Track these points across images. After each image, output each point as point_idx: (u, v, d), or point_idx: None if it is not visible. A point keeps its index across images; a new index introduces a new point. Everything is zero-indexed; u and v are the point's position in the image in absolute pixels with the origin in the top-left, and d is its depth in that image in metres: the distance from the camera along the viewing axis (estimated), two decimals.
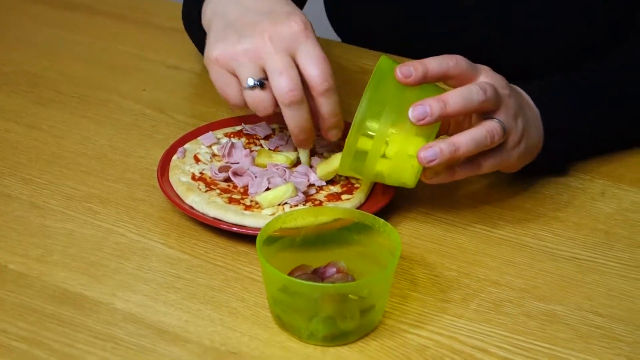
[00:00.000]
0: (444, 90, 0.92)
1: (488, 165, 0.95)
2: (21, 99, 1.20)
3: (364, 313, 0.84)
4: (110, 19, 1.40)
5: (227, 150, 1.03)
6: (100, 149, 1.11)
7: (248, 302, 0.89)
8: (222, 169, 1.01)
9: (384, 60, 0.93)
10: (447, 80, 0.93)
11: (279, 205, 0.96)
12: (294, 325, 0.84)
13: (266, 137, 1.07)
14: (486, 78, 0.94)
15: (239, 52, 0.95)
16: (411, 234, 0.98)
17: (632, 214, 1.02)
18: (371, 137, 0.91)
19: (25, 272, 0.92)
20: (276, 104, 0.95)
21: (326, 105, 0.95)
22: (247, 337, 0.85)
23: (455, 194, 1.04)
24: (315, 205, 0.97)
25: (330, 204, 0.97)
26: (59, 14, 1.42)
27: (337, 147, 1.06)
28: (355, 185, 1.00)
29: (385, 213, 0.98)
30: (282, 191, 0.96)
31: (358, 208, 0.97)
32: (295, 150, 1.04)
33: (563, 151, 1.04)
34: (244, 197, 0.98)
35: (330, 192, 0.99)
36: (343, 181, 1.00)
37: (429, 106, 0.89)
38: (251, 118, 1.10)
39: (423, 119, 0.89)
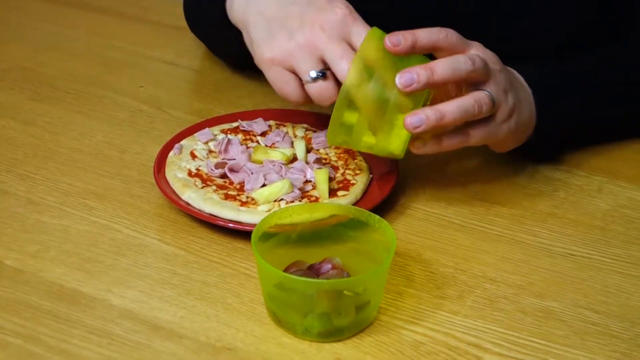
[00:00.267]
0: None
1: (476, 137, 0.95)
2: (17, 95, 1.20)
3: (359, 309, 0.84)
4: (108, 15, 1.41)
5: (223, 147, 1.03)
6: (96, 145, 1.11)
7: (243, 298, 0.88)
8: (218, 166, 1.01)
9: (374, 30, 0.93)
10: (437, 52, 0.94)
11: (274, 201, 0.96)
12: (289, 321, 0.84)
13: (263, 134, 1.07)
14: (477, 52, 0.95)
15: (294, 48, 0.95)
16: (407, 231, 0.98)
17: (629, 211, 1.02)
18: (359, 107, 0.91)
19: (21, 268, 0.92)
20: (338, 91, 0.94)
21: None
22: (242, 333, 0.85)
23: (452, 191, 1.04)
24: (311, 201, 0.97)
25: (326, 201, 0.97)
26: (56, 10, 1.42)
27: None
28: (352, 182, 1.00)
29: (382, 209, 0.98)
30: (278, 187, 0.96)
31: (354, 204, 0.97)
32: (292, 146, 1.04)
33: (555, 134, 1.04)
34: (240, 193, 0.98)
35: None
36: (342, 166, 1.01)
37: (416, 73, 0.90)
38: (247, 114, 1.10)
39: (410, 86, 0.90)
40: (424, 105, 0.92)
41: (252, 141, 1.06)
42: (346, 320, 0.84)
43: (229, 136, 1.05)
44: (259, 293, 0.88)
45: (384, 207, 0.99)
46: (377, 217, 0.88)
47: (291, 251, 0.89)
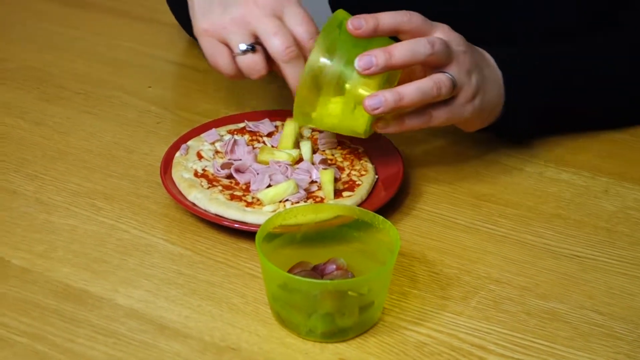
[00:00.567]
0: None
1: (438, 118, 0.97)
2: (26, 96, 1.21)
3: (363, 310, 0.85)
4: (116, 15, 1.41)
5: (229, 147, 1.03)
6: (105, 145, 1.11)
7: (248, 299, 0.89)
8: (224, 166, 1.01)
9: (339, 12, 0.96)
10: (401, 35, 0.95)
11: (280, 202, 0.97)
12: (293, 321, 0.85)
13: (269, 134, 1.08)
14: (442, 35, 0.96)
15: (227, 21, 0.99)
16: (412, 231, 0.98)
17: (635, 212, 1.02)
18: (320, 86, 0.94)
19: (28, 268, 0.92)
20: (269, 67, 0.99)
21: None
22: (246, 333, 0.85)
23: (457, 192, 1.04)
24: (316, 202, 0.97)
25: (331, 201, 0.97)
26: (64, 10, 1.42)
27: (340, 144, 1.06)
28: (357, 183, 1.00)
29: (387, 210, 0.98)
30: (283, 188, 0.97)
31: (359, 205, 0.97)
32: (298, 147, 1.04)
33: (523, 115, 1.05)
34: (245, 194, 0.98)
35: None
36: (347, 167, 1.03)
37: (375, 56, 0.92)
38: (254, 115, 1.10)
39: (369, 69, 0.92)
40: (391, 85, 0.94)
41: (259, 142, 1.07)
42: (350, 320, 0.84)
43: (236, 137, 1.06)
44: (264, 293, 0.88)
45: (390, 208, 0.99)
46: (382, 217, 0.88)
47: (296, 252, 0.90)
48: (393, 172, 1.02)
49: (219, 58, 1.00)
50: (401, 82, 0.95)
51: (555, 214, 1.01)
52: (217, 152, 1.05)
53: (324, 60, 0.94)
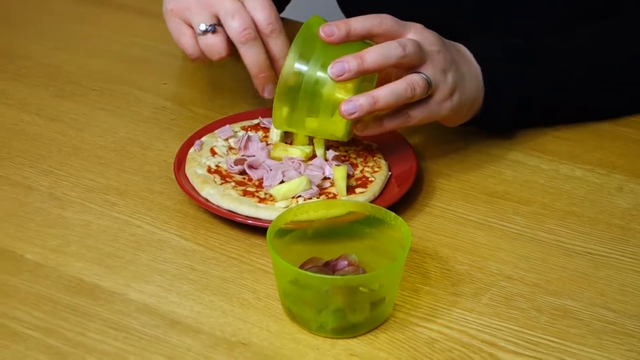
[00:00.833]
0: None
1: (416, 117, 0.98)
2: (43, 92, 1.22)
3: (374, 306, 0.85)
4: (131, 12, 1.42)
5: (243, 143, 1.04)
6: (119, 141, 1.12)
7: (260, 294, 0.89)
8: (237, 162, 1.01)
9: (313, 19, 0.97)
10: (374, 39, 0.97)
11: (292, 198, 0.97)
12: (304, 317, 0.85)
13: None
14: (415, 35, 0.97)
15: (192, 3, 1.03)
16: (425, 228, 0.98)
17: None
18: (297, 92, 0.96)
19: (42, 262, 0.93)
20: (228, 48, 1.02)
21: (275, 46, 1.03)
22: (257, 328, 0.86)
23: (471, 189, 1.04)
24: (329, 198, 0.97)
25: (344, 198, 0.97)
26: (81, 8, 1.43)
27: (353, 141, 1.06)
28: (370, 179, 1.00)
29: (400, 207, 0.98)
30: (295, 184, 0.97)
31: (372, 202, 0.97)
32: (311, 144, 1.04)
33: (504, 108, 1.05)
34: (258, 189, 0.99)
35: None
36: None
37: (347, 63, 0.93)
38: (268, 112, 1.10)
39: (342, 75, 0.93)
40: (371, 83, 0.95)
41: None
42: (361, 316, 0.84)
43: (249, 133, 1.06)
44: (275, 289, 0.88)
45: (403, 205, 0.99)
46: (393, 214, 0.88)
47: (307, 248, 0.90)
48: (406, 169, 1.02)
49: (183, 38, 1.04)
50: (379, 82, 0.96)
51: (569, 211, 1.01)
52: (230, 148, 1.05)
53: (298, 66, 0.95)
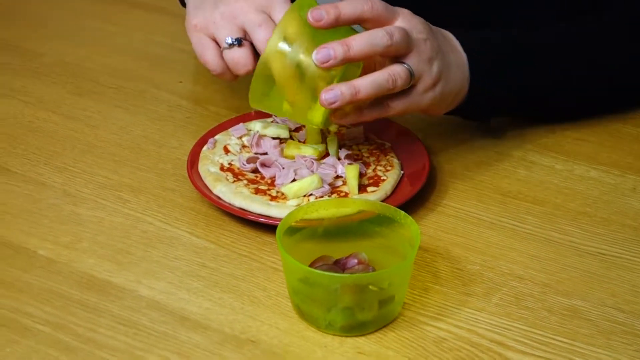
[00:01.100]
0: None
1: (396, 108, 0.96)
2: (60, 89, 1.22)
3: (383, 304, 0.85)
4: (148, 11, 1.42)
5: (255, 141, 1.04)
6: (134, 139, 1.12)
7: (270, 292, 0.89)
8: (250, 160, 1.02)
9: (302, 0, 0.94)
10: (363, 24, 0.95)
11: (304, 196, 0.97)
12: (313, 315, 0.85)
13: (296, 129, 1.08)
14: (403, 22, 0.95)
15: (216, 17, 1.01)
16: (436, 227, 0.98)
17: None
18: (277, 73, 0.93)
19: (54, 258, 0.94)
20: (255, 62, 0.99)
21: None
22: (266, 325, 0.86)
23: (484, 188, 1.03)
24: (340, 197, 0.97)
25: (355, 196, 0.97)
26: (98, 6, 1.44)
27: (366, 140, 1.06)
28: (382, 178, 1.00)
29: (412, 206, 0.98)
30: (307, 182, 0.97)
31: (383, 201, 0.97)
32: (324, 142, 1.04)
33: (488, 97, 1.04)
34: (270, 188, 0.99)
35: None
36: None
37: (333, 49, 0.91)
38: None
39: (327, 62, 0.92)
40: (355, 69, 0.94)
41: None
42: (370, 314, 0.84)
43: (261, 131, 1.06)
44: (285, 287, 0.88)
45: (415, 204, 0.99)
46: (403, 213, 0.88)
47: (317, 246, 0.90)
48: (419, 168, 1.02)
49: (207, 53, 1.01)
50: (364, 69, 0.95)
51: (582, 212, 1.00)
52: (244, 146, 1.05)
53: (282, 46, 0.93)
